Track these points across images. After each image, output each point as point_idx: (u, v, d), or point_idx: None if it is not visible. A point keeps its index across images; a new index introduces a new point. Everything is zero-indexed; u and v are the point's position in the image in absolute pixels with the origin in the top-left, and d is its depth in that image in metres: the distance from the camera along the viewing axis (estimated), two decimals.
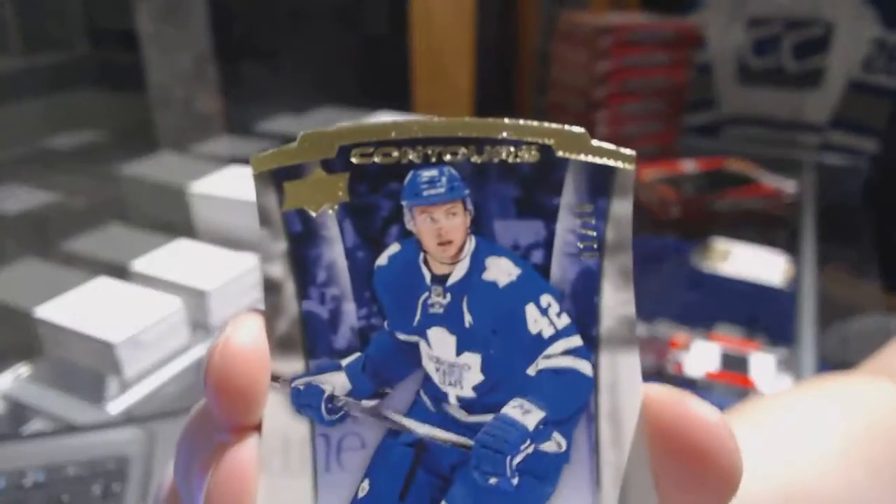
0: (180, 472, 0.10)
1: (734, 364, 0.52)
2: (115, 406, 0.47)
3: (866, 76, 1.06)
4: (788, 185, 0.79)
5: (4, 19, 0.56)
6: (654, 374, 0.53)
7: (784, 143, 1.13)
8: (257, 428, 0.10)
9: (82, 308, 0.49)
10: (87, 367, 0.49)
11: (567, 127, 0.10)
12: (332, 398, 0.10)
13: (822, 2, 1.07)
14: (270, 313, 0.10)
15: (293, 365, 0.10)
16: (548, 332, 0.10)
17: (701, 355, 0.54)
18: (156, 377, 0.49)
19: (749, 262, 0.68)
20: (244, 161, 0.70)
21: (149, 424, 0.39)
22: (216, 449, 0.09)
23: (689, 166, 0.85)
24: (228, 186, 0.61)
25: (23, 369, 0.50)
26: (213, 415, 0.10)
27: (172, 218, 0.64)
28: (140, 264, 0.55)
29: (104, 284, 0.52)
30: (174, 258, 0.56)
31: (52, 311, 0.49)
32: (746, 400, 0.24)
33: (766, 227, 0.78)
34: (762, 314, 0.64)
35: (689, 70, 0.94)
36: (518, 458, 0.10)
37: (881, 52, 1.04)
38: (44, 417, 0.46)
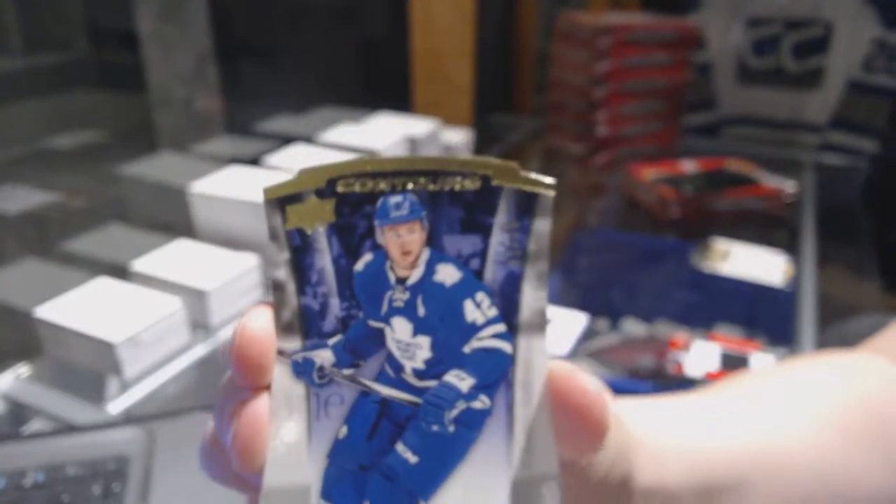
0: (217, 422, 0.14)
1: (734, 364, 0.52)
2: (115, 406, 0.47)
3: (866, 76, 1.06)
4: (788, 185, 0.79)
5: (5, 20, 0.56)
6: (654, 374, 0.53)
7: (784, 142, 1.13)
8: (267, 388, 0.14)
9: (82, 308, 0.49)
10: (87, 367, 0.49)
11: (501, 161, 0.14)
12: (321, 368, 0.14)
13: (821, 2, 1.07)
14: (276, 306, 0.14)
15: (293, 343, 0.14)
16: (480, 320, 0.14)
17: (701, 355, 0.54)
18: (156, 377, 0.49)
19: (749, 262, 0.68)
20: (244, 161, 0.70)
21: (149, 424, 0.39)
22: (238, 403, 0.13)
23: (688, 166, 0.85)
24: (228, 186, 0.61)
25: (23, 369, 0.50)
26: (235, 380, 0.14)
27: (172, 218, 0.64)
28: (140, 264, 0.55)
29: (104, 284, 0.52)
30: (174, 258, 0.56)
31: (53, 311, 0.49)
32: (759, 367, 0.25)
33: (766, 227, 0.78)
34: (762, 314, 0.64)
35: (688, 70, 0.94)
36: (454, 413, 0.14)
37: (881, 52, 1.04)
38: (44, 417, 0.46)
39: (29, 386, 0.49)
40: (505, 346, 0.14)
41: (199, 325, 0.54)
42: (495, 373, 0.14)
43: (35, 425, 0.46)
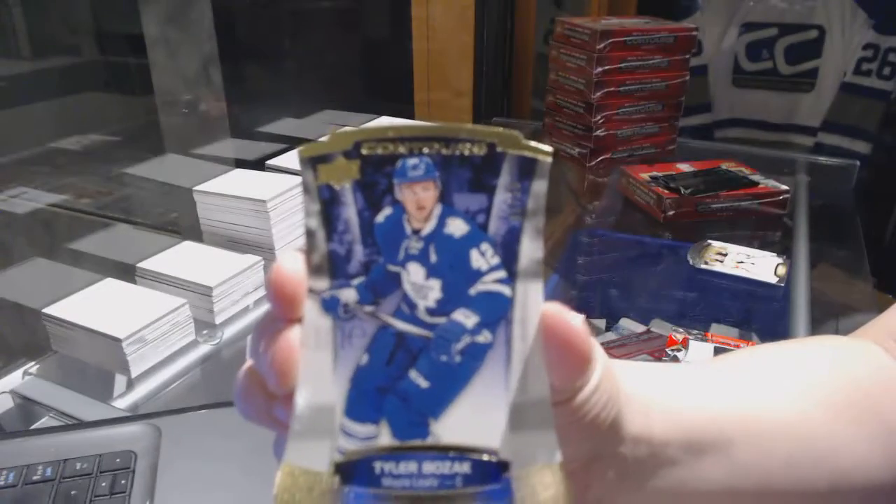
0: (254, 352, 0.16)
1: None
2: (122, 402, 0.48)
3: (858, 79, 1.08)
4: (782, 186, 0.80)
5: (14, 25, 0.56)
6: None
7: (778, 144, 1.14)
8: (299, 321, 0.16)
9: (90, 307, 0.50)
10: (94, 364, 0.49)
11: (506, 130, 0.15)
12: (346, 305, 0.16)
13: (814, 6, 1.08)
14: (308, 250, 0.16)
15: (322, 283, 0.16)
16: (484, 267, 0.16)
17: (696, 354, 0.54)
18: (162, 374, 0.50)
19: (744, 261, 0.69)
20: (249, 164, 0.71)
21: (155, 420, 0.40)
22: (275, 332, 0.15)
23: (685, 168, 0.86)
24: (233, 188, 0.62)
25: (32, 367, 0.51)
26: (273, 311, 0.16)
27: (178, 219, 0.65)
28: (146, 264, 0.56)
29: (111, 284, 0.53)
30: (180, 258, 0.57)
31: (61, 309, 0.49)
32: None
33: (760, 228, 0.79)
34: (756, 313, 0.65)
35: (685, 73, 0.95)
36: (460, 345, 0.16)
37: (873, 56, 1.06)
38: (52, 413, 0.47)
39: (37, 383, 0.50)
40: (505, 290, 0.16)
41: (204, 323, 0.55)
42: (496, 312, 0.16)
43: (44, 421, 0.47)
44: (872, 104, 1.07)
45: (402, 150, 0.15)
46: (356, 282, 0.16)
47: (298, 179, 0.65)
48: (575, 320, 0.15)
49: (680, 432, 0.20)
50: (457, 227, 0.16)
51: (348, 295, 0.16)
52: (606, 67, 0.90)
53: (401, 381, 0.16)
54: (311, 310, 0.15)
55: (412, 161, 0.15)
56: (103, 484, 0.36)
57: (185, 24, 0.68)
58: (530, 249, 0.16)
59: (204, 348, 0.53)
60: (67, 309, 0.50)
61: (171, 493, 0.36)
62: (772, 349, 0.26)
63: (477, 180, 0.15)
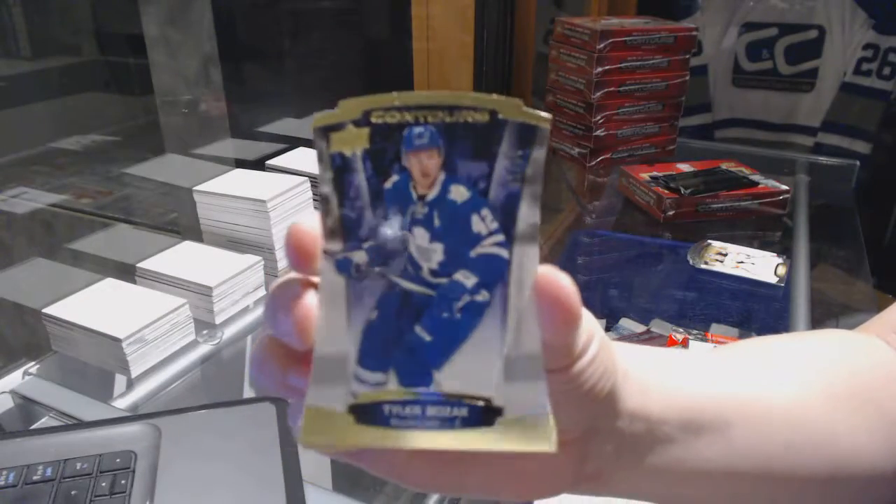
0: (272, 315, 0.17)
1: None
2: (122, 402, 0.48)
3: (858, 79, 1.08)
4: (782, 186, 0.80)
5: (14, 25, 0.56)
6: None
7: (778, 144, 1.14)
8: (314, 285, 0.17)
9: (90, 307, 0.50)
10: (94, 363, 0.49)
11: (507, 98, 0.16)
12: (358, 265, 0.17)
13: (814, 6, 1.08)
14: (323, 215, 0.17)
15: (336, 245, 0.17)
16: (484, 231, 0.17)
17: None
18: (162, 374, 0.50)
19: (744, 261, 0.69)
20: (248, 164, 0.71)
21: (155, 420, 0.40)
22: (293, 296, 0.16)
23: (685, 168, 0.86)
24: (233, 188, 0.62)
25: (32, 367, 0.51)
26: (287, 278, 0.17)
27: (178, 219, 0.65)
28: (146, 264, 0.56)
29: (111, 284, 0.53)
30: (179, 259, 0.57)
31: (61, 309, 0.49)
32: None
33: (761, 228, 0.79)
34: (756, 313, 0.65)
35: (685, 73, 0.95)
36: (460, 303, 0.17)
37: (873, 56, 1.06)
38: (52, 413, 0.47)
39: (38, 383, 0.50)
40: (503, 253, 0.17)
41: (204, 323, 0.55)
42: (494, 273, 0.17)
43: (44, 421, 0.47)
44: (872, 104, 1.07)
45: (408, 118, 0.16)
46: (367, 245, 0.17)
47: (299, 179, 0.65)
48: (565, 280, 0.16)
49: (677, 411, 0.20)
50: (459, 193, 0.16)
51: (360, 256, 0.17)
52: (606, 67, 0.90)
53: (407, 335, 0.17)
54: (326, 270, 0.17)
55: (417, 130, 0.16)
56: (103, 484, 0.36)
57: (185, 23, 0.68)
58: (528, 215, 0.16)
59: (204, 348, 0.53)
60: (67, 309, 0.50)
61: (171, 493, 0.36)
62: (773, 339, 0.26)
63: (479, 147, 0.16)
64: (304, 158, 0.70)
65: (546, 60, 1.00)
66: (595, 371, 0.18)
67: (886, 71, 1.05)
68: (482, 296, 0.17)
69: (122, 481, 0.36)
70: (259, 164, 0.69)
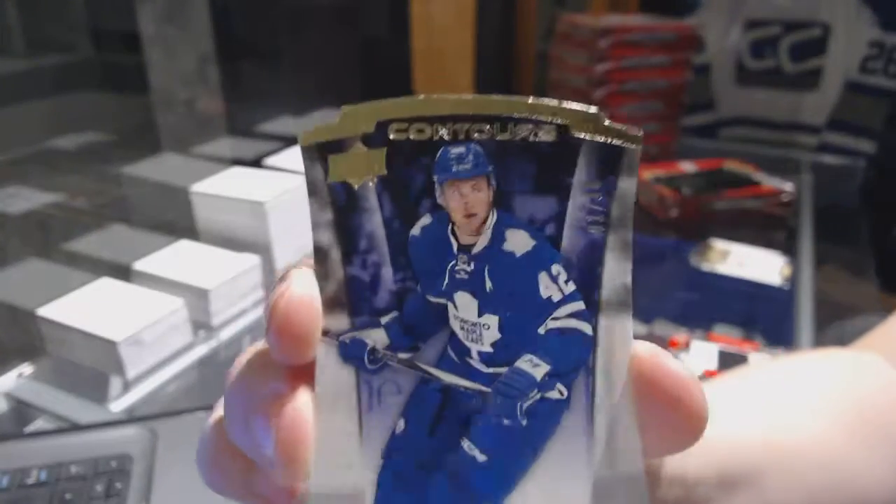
0: (238, 418, 0.11)
1: (733, 364, 0.52)
2: (118, 405, 0.47)
3: (863, 77, 1.07)
4: (786, 186, 0.80)
5: (8, 22, 0.56)
6: None
7: (782, 143, 1.14)
8: (308, 379, 0.11)
9: (85, 308, 0.49)
10: (89, 366, 0.49)
11: (583, 107, 0.11)
12: (373, 351, 0.12)
13: (819, 3, 1.07)
14: (319, 276, 0.11)
15: (340, 322, 0.12)
16: (556, 296, 0.12)
17: (700, 355, 0.54)
18: (158, 376, 0.49)
19: (747, 262, 0.68)
20: (246, 163, 0.70)
21: (151, 423, 0.40)
22: (275, 398, 0.11)
23: (687, 167, 0.86)
24: (230, 187, 0.61)
25: (26, 368, 0.51)
26: (271, 356, 0.11)
27: (174, 219, 0.64)
28: (142, 265, 0.55)
29: (107, 285, 0.52)
30: (176, 259, 0.57)
31: (55, 310, 0.49)
32: (763, 361, 0.26)
33: (764, 228, 0.78)
34: (760, 314, 0.64)
35: (687, 71, 0.94)
36: (527, 404, 0.12)
37: (878, 54, 1.05)
38: (47, 416, 0.46)
39: (32, 385, 0.49)
40: (584, 328, 0.12)
41: (201, 324, 0.54)
42: (573, 358, 0.12)
43: (38, 424, 0.46)
44: (878, 102, 1.06)
45: (443, 133, 0.11)
46: (386, 319, 0.12)
47: (298, 178, 0.64)
48: (681, 367, 0.11)
49: (713, 467, 0.18)
50: (519, 241, 0.12)
51: (376, 337, 0.12)
52: (608, 66, 0.89)
53: (450, 455, 0.12)
54: (326, 360, 0.11)
55: (457, 150, 0.11)
56: (99, 487, 0.35)
57: (181, 21, 0.68)
58: (616, 272, 0.12)
59: (201, 350, 0.53)
60: (62, 310, 0.49)
61: (167, 497, 0.35)
62: (784, 365, 0.25)
63: (544, 177, 0.11)
64: None
65: (547, 59, 0.99)
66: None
67: (892, 69, 1.04)
68: (558, 392, 0.12)
69: (118, 485, 0.36)
70: (257, 164, 0.68)
